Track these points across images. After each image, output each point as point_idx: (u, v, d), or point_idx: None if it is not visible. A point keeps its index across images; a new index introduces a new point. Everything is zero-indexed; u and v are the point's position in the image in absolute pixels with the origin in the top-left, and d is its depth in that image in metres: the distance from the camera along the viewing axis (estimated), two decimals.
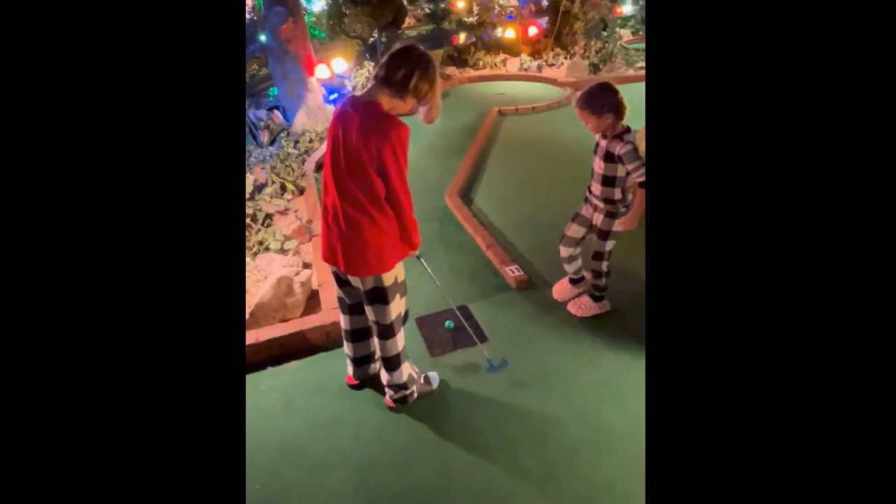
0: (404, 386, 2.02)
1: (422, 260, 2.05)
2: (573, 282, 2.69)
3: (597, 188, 2.33)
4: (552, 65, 7.76)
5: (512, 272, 2.85)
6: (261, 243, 3.13)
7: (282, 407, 2.10)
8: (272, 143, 4.84)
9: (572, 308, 2.61)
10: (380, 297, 1.79)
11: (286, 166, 4.20)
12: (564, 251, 2.59)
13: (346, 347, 2.09)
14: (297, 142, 4.77)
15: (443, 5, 8.38)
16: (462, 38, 7.75)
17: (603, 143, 2.26)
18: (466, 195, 3.92)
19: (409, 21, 8.90)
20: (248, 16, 7.44)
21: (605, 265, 2.46)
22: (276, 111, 5.26)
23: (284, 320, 2.50)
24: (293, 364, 2.32)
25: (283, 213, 3.65)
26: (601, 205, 2.35)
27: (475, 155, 4.55)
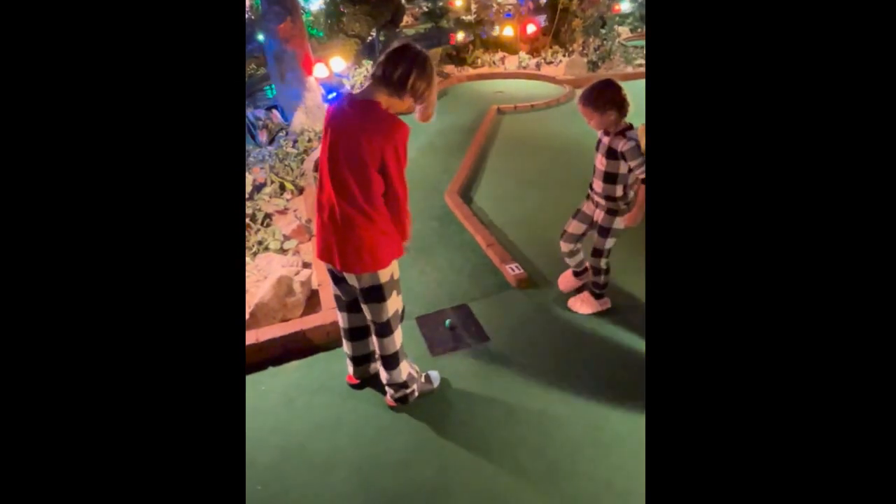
0: (404, 385, 2.02)
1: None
2: (577, 274, 2.73)
3: (598, 185, 2.33)
4: (551, 62, 7.77)
5: (512, 270, 2.85)
6: (260, 243, 3.13)
7: (282, 407, 2.10)
8: (271, 142, 4.83)
9: (573, 305, 2.62)
10: (376, 294, 1.79)
11: (285, 166, 4.20)
12: (565, 247, 2.60)
13: (346, 346, 2.09)
14: (295, 141, 4.76)
15: (441, 3, 8.35)
16: (460, 36, 7.74)
17: (605, 139, 2.26)
18: (466, 194, 3.91)
19: (407, 19, 8.90)
20: (246, 15, 7.42)
21: (604, 262, 2.47)
22: (274, 110, 5.25)
23: (285, 320, 2.50)
24: (294, 364, 2.32)
25: (283, 212, 3.64)
26: (602, 202, 2.35)
27: (474, 153, 4.54)
